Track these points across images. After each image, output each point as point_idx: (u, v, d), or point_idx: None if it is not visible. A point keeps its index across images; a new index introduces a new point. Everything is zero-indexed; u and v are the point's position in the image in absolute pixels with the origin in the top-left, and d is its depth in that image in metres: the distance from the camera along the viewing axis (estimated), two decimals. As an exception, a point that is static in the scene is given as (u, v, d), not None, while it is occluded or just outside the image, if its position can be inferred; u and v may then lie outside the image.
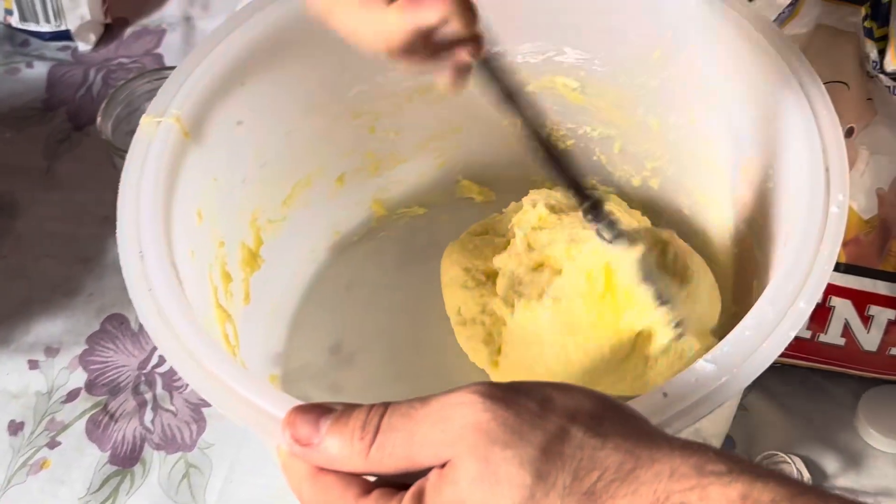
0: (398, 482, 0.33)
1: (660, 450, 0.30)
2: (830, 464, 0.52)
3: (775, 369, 0.55)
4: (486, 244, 0.56)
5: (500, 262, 0.53)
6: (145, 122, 0.47)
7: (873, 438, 0.52)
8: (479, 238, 0.57)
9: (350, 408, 0.34)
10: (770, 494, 0.28)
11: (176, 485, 0.54)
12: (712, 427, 0.48)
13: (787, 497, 0.28)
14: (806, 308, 0.38)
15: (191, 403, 0.57)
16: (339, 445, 0.33)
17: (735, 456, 0.30)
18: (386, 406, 0.33)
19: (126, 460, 0.55)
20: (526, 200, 0.55)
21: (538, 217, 0.53)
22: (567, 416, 0.31)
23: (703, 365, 0.37)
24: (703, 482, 0.29)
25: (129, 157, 0.46)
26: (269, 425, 0.36)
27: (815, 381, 0.55)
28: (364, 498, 0.33)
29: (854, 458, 0.52)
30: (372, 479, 0.34)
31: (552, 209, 0.54)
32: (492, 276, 0.54)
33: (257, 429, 0.37)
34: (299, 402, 0.36)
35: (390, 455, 0.32)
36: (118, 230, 0.43)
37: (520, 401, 0.32)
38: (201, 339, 0.39)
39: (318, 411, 0.34)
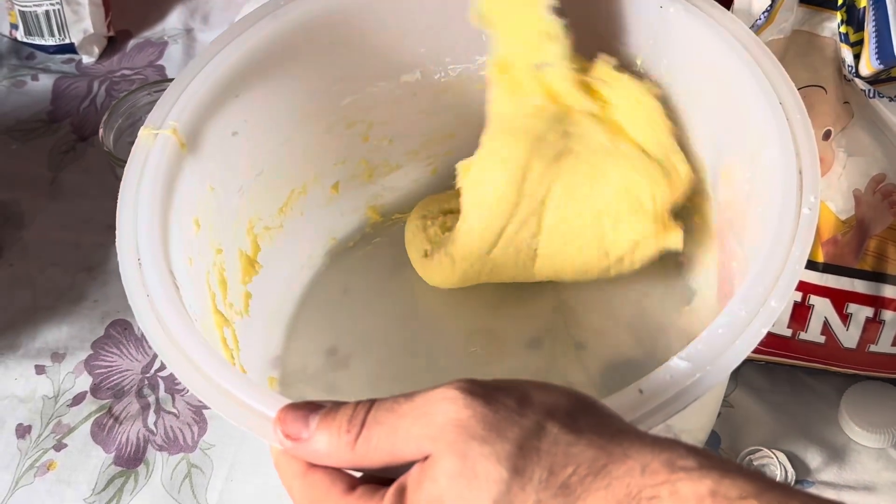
0: (384, 477, 0.35)
1: (632, 446, 0.31)
2: (814, 459, 0.53)
3: (760, 367, 0.57)
4: (433, 199, 0.61)
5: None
6: (143, 134, 0.48)
7: (856, 434, 0.54)
8: (428, 198, 0.61)
9: (338, 404, 0.35)
10: (737, 490, 0.30)
11: (178, 485, 0.56)
12: (697, 423, 0.50)
13: (754, 493, 0.29)
14: (777, 307, 0.39)
15: (192, 406, 0.59)
16: (327, 440, 0.34)
17: (705, 451, 0.31)
18: (372, 402, 0.35)
19: (130, 461, 0.57)
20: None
21: None
22: (544, 413, 0.32)
23: (678, 362, 0.38)
24: (673, 478, 0.30)
25: (127, 168, 0.47)
26: (263, 425, 0.38)
27: (798, 377, 0.56)
28: (349, 494, 0.34)
29: (837, 453, 0.54)
30: (358, 475, 0.35)
31: None
32: (447, 211, 0.58)
33: (252, 429, 0.38)
34: (287, 400, 0.38)
35: (375, 448, 0.34)
36: (117, 239, 0.45)
37: (499, 397, 0.33)
38: (196, 342, 0.41)
39: (307, 408, 0.35)
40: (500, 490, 0.31)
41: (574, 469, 0.31)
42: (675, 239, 0.53)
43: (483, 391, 0.33)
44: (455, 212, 0.58)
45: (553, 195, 0.53)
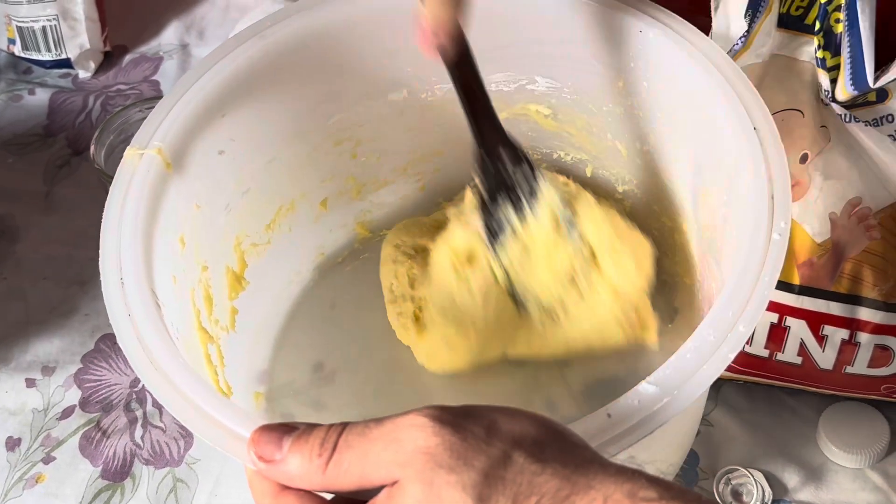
0: (355, 500, 0.35)
1: (596, 476, 0.32)
2: (791, 478, 0.54)
3: (739, 386, 0.57)
4: (414, 224, 0.61)
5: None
6: (129, 154, 0.49)
7: (833, 454, 0.54)
8: (410, 220, 0.61)
9: (311, 427, 0.36)
10: None
11: (164, 499, 0.56)
12: (672, 443, 0.50)
13: None
14: (745, 331, 0.39)
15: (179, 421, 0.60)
16: (299, 462, 0.35)
17: (666, 483, 0.32)
18: (344, 426, 0.35)
19: (117, 475, 0.58)
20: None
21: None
22: (511, 442, 0.33)
23: (646, 387, 0.38)
24: None
25: (112, 187, 0.48)
26: (238, 446, 0.38)
27: (778, 397, 0.57)
28: None
29: (814, 473, 0.54)
30: (329, 496, 0.36)
31: None
32: (419, 250, 0.58)
33: (227, 450, 0.39)
34: (263, 420, 0.39)
35: (346, 472, 0.34)
36: (101, 259, 0.46)
37: (467, 425, 0.33)
38: (175, 363, 0.41)
39: (280, 431, 0.36)
40: None
41: (538, 499, 0.32)
42: (651, 337, 0.55)
43: (452, 419, 0.33)
44: (426, 250, 0.58)
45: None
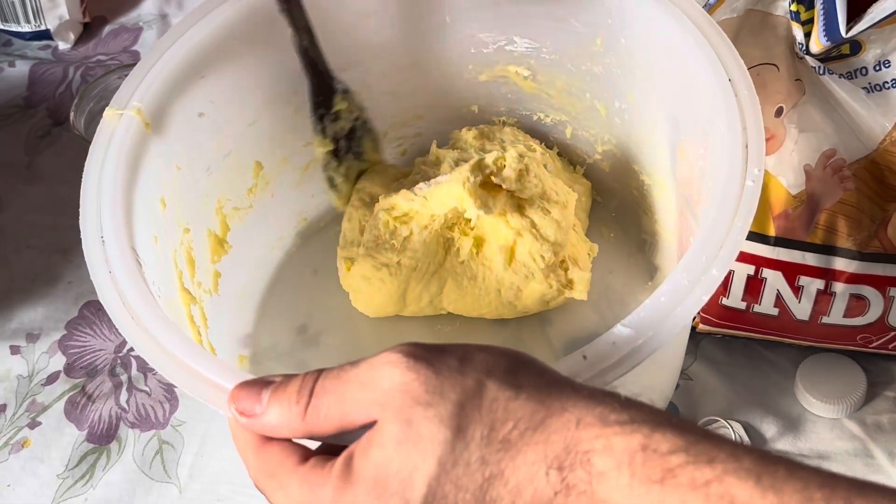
0: (339, 445, 0.36)
1: (569, 399, 0.32)
2: (769, 428, 0.55)
3: (718, 340, 0.58)
4: (379, 173, 0.61)
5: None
6: (108, 114, 0.49)
7: (811, 404, 0.55)
8: (379, 167, 0.62)
9: (288, 377, 0.36)
10: (668, 444, 0.31)
11: (150, 461, 0.57)
12: (652, 393, 0.51)
13: (683, 447, 0.30)
14: (718, 275, 0.40)
15: (164, 384, 0.60)
16: (279, 412, 0.35)
17: (639, 404, 0.32)
18: (320, 371, 0.35)
19: (102, 438, 0.58)
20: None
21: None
22: (484, 371, 0.33)
23: (621, 329, 0.39)
24: (607, 432, 0.31)
25: (91, 148, 0.48)
26: (217, 395, 0.39)
27: (756, 350, 0.57)
28: (302, 465, 0.35)
29: (792, 423, 0.55)
30: (316, 446, 0.36)
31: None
32: (376, 199, 0.59)
33: (207, 399, 0.39)
34: (245, 373, 0.39)
35: (325, 417, 0.35)
36: (81, 217, 0.46)
37: (441, 358, 0.34)
38: (155, 316, 0.42)
39: (259, 384, 0.36)
40: (444, 450, 0.32)
41: (514, 424, 0.32)
42: (579, 291, 0.56)
43: (425, 353, 0.34)
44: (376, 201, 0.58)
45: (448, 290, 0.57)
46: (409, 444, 0.33)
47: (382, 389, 0.33)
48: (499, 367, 0.33)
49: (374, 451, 0.33)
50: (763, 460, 0.30)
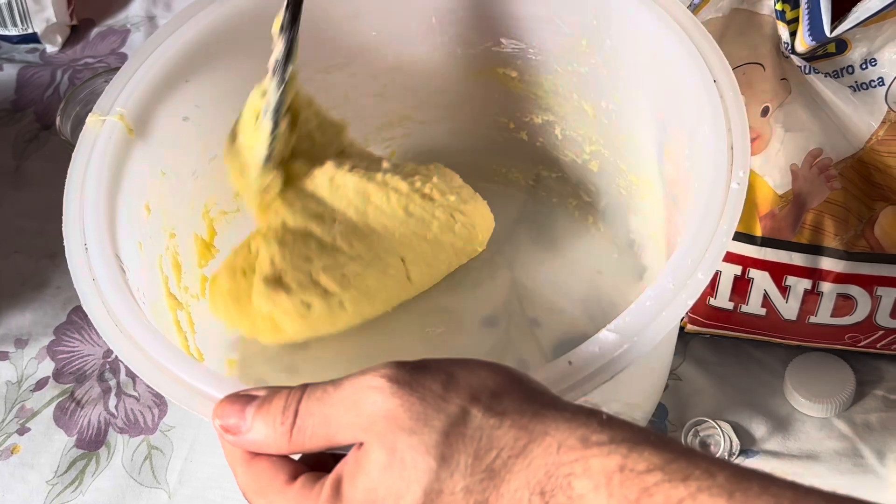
0: (333, 454, 0.36)
1: (553, 422, 0.32)
2: (759, 428, 0.54)
3: (707, 340, 0.58)
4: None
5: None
6: (91, 120, 0.49)
7: (800, 404, 0.55)
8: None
9: (272, 393, 0.36)
10: (644, 463, 0.31)
11: (139, 466, 0.57)
12: (640, 396, 0.51)
13: (660, 465, 0.30)
14: (703, 279, 0.40)
15: (152, 389, 0.60)
16: (264, 431, 0.35)
17: (619, 423, 0.32)
18: (303, 390, 0.35)
19: (91, 444, 0.58)
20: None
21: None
22: (468, 397, 0.33)
23: (606, 334, 0.39)
24: (586, 454, 0.31)
25: (75, 154, 0.48)
26: (202, 404, 0.39)
27: (744, 350, 0.57)
28: (290, 484, 0.35)
29: (781, 423, 0.55)
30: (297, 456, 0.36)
31: None
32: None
33: (191, 407, 0.39)
34: (230, 380, 0.39)
35: (311, 437, 0.35)
36: (64, 224, 0.46)
37: (425, 382, 0.34)
38: (138, 323, 0.41)
39: (243, 401, 0.36)
40: (429, 479, 0.32)
41: (498, 452, 0.32)
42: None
43: (408, 377, 0.34)
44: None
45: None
46: (394, 471, 0.33)
47: (366, 414, 0.33)
48: (484, 392, 0.33)
49: (361, 477, 0.33)
50: (737, 476, 0.30)
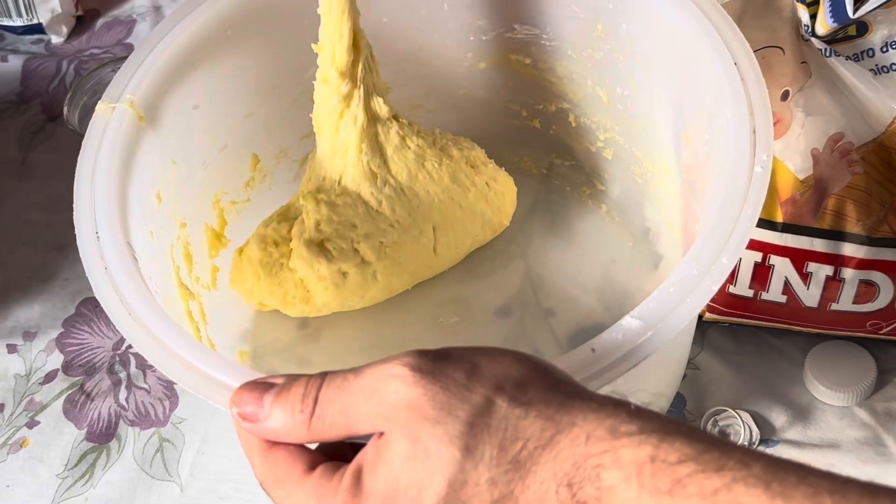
0: (352, 443, 0.35)
1: (580, 413, 0.32)
2: (778, 418, 0.54)
3: (725, 329, 0.57)
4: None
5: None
6: (100, 108, 0.48)
7: (820, 392, 0.54)
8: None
9: (291, 380, 0.35)
10: (676, 454, 0.30)
11: (150, 459, 0.56)
12: (659, 385, 0.50)
13: (693, 456, 0.30)
14: (728, 264, 0.39)
15: (163, 381, 0.59)
16: (283, 419, 0.35)
17: (648, 414, 0.32)
18: (323, 377, 0.35)
19: (102, 437, 0.57)
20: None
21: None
22: (493, 387, 0.32)
23: (630, 321, 0.38)
24: (615, 445, 0.31)
25: (84, 142, 0.47)
26: (218, 393, 0.38)
27: (764, 338, 0.57)
28: (309, 474, 0.34)
29: (801, 412, 0.54)
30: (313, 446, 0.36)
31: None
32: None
33: (204, 394, 0.38)
34: (245, 369, 0.38)
35: (330, 426, 0.34)
36: (75, 213, 0.45)
37: (448, 371, 0.33)
38: (151, 311, 0.41)
39: (261, 388, 0.36)
40: (453, 470, 0.31)
41: (523, 444, 0.31)
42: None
43: (431, 366, 0.33)
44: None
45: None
46: (417, 461, 0.32)
47: (388, 403, 0.33)
48: (508, 381, 0.33)
49: (383, 467, 0.33)
50: (773, 467, 0.29)
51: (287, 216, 0.55)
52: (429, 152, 0.55)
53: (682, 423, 0.32)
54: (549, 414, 0.32)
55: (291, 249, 0.54)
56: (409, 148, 0.54)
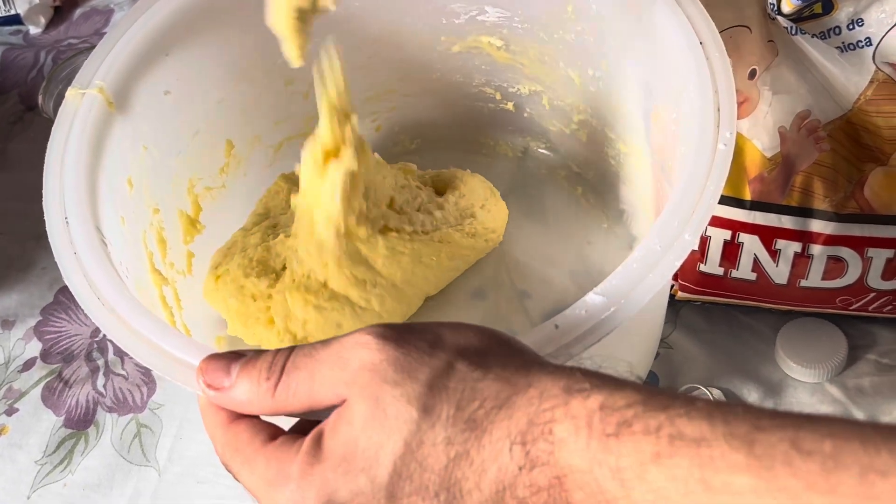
0: (309, 422, 0.35)
1: (535, 376, 0.32)
2: (750, 395, 0.54)
3: (697, 307, 0.58)
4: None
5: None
6: (70, 94, 0.48)
7: (791, 369, 0.54)
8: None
9: (259, 353, 0.36)
10: (625, 400, 0.31)
11: (128, 444, 0.56)
12: (636, 360, 0.50)
13: (640, 400, 0.30)
14: (690, 240, 0.39)
15: (141, 368, 0.59)
16: (248, 388, 0.35)
17: (602, 375, 0.32)
18: (291, 349, 0.35)
19: (80, 423, 0.57)
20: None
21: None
22: (454, 352, 0.33)
23: (593, 297, 0.38)
24: (568, 399, 0.31)
25: (54, 128, 0.47)
26: (186, 375, 0.38)
27: (735, 317, 0.57)
28: (270, 443, 0.35)
29: (773, 389, 0.54)
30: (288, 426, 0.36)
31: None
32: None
33: (174, 377, 0.39)
34: (206, 346, 0.38)
35: (294, 394, 0.34)
36: (44, 199, 0.45)
37: (411, 340, 0.33)
38: (123, 296, 0.41)
39: (229, 358, 0.36)
40: (410, 430, 0.32)
41: (480, 403, 0.32)
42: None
43: (396, 335, 0.33)
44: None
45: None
46: (376, 422, 0.32)
47: (351, 369, 0.33)
48: (469, 349, 0.33)
49: (343, 428, 0.33)
50: (719, 405, 0.30)
51: (267, 265, 0.54)
52: (425, 250, 0.54)
53: (629, 381, 0.32)
54: (507, 376, 0.32)
55: (269, 307, 0.53)
56: (402, 253, 0.53)
